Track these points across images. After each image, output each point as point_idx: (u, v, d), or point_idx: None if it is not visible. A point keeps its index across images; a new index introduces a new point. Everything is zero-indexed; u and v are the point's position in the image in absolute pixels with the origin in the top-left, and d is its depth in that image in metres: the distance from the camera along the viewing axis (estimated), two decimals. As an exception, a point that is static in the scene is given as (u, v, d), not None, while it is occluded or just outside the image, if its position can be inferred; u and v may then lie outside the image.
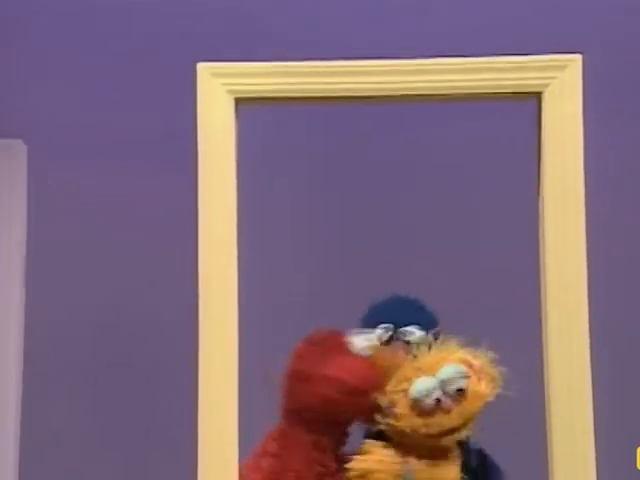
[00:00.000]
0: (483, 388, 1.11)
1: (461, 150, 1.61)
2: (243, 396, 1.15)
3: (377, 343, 1.12)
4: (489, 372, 1.11)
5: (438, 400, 1.09)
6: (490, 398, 1.11)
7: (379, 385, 1.09)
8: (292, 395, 1.12)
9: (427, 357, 1.11)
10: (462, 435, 1.11)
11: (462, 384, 1.10)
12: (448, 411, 1.10)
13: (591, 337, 1.09)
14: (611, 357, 1.46)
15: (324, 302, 1.60)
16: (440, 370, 1.10)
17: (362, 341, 1.12)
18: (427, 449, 1.11)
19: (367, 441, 1.13)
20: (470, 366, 1.11)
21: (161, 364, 1.72)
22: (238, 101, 1.16)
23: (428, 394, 1.09)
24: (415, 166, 1.64)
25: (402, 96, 1.14)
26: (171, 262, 1.66)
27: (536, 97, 1.12)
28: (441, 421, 1.09)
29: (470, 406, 1.10)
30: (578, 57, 1.12)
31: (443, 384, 1.09)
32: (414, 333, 1.14)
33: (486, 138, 1.58)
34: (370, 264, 1.64)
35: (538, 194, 1.12)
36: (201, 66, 1.16)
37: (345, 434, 1.14)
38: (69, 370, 1.75)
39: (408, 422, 1.09)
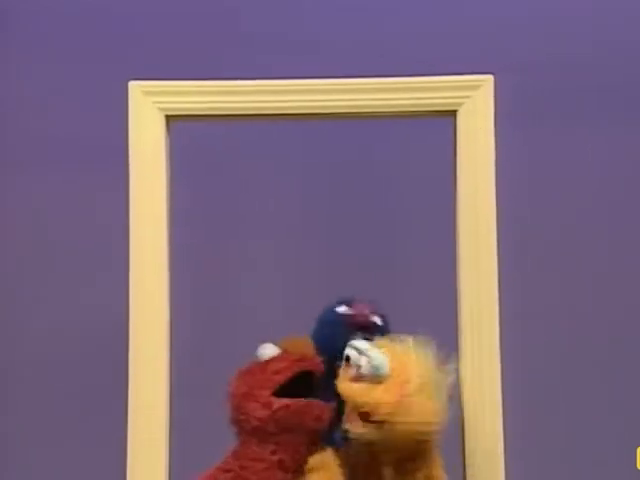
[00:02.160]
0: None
1: (386, 165, 1.65)
2: (174, 414, 1.18)
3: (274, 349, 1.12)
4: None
5: (347, 358, 1.06)
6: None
7: (302, 359, 1.10)
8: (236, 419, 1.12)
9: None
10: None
11: (382, 369, 1.05)
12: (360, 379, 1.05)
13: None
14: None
15: (255, 314, 1.62)
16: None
17: (267, 348, 1.13)
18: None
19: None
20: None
21: (90, 376, 1.72)
22: (169, 119, 1.20)
23: (353, 350, 1.06)
24: (337, 180, 1.68)
25: (325, 114, 1.19)
26: (101, 278, 1.68)
27: (451, 115, 1.17)
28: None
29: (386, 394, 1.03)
30: (490, 77, 1.18)
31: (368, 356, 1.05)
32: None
33: (410, 153, 1.63)
34: (299, 275, 1.68)
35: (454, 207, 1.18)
36: (133, 84, 1.20)
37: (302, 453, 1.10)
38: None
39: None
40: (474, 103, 1.17)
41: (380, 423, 1.03)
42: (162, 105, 1.20)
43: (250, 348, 1.59)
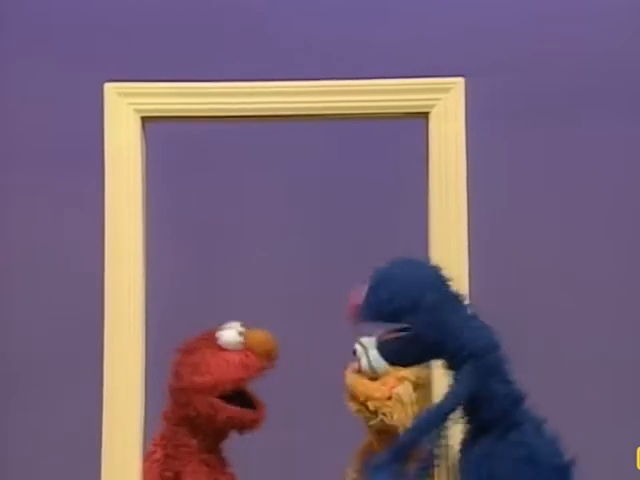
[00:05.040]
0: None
1: (361, 166, 1.66)
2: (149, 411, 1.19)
3: (240, 334, 1.14)
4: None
5: (354, 352, 1.18)
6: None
7: (260, 367, 1.13)
8: (188, 405, 1.14)
9: None
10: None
11: (379, 369, 1.16)
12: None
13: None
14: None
15: (231, 310, 1.63)
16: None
17: (227, 337, 1.15)
18: None
19: None
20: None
21: (64, 375, 1.73)
22: (145, 120, 1.21)
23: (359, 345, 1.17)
24: (311, 181, 1.69)
25: (299, 115, 1.21)
26: (76, 278, 1.68)
27: (423, 117, 1.19)
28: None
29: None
30: (461, 80, 1.20)
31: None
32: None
33: (385, 154, 1.64)
34: (269, 275, 1.69)
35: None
36: (108, 86, 1.21)
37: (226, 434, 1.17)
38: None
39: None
40: (445, 105, 1.19)
41: (373, 413, 1.15)
42: (137, 106, 1.21)
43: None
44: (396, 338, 1.03)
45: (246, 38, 1.67)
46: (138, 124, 1.21)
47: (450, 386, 1.01)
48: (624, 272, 1.66)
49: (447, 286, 1.03)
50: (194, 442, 1.14)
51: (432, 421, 1.00)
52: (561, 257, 1.65)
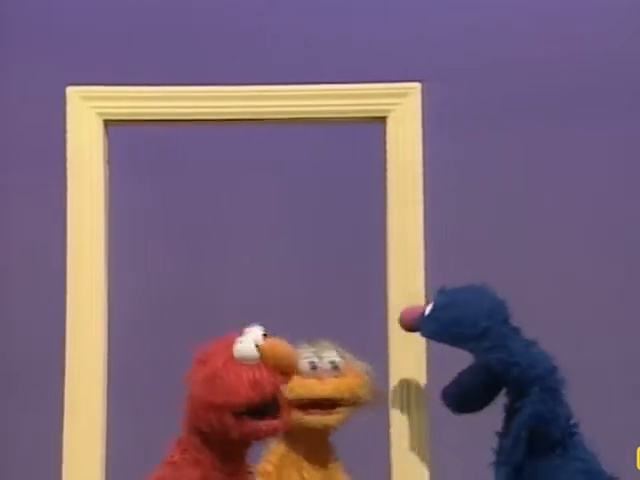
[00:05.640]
0: (358, 372, 1.18)
1: (321, 168, 1.67)
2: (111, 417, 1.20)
3: (257, 348, 1.07)
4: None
5: (313, 364, 1.17)
6: (364, 391, 1.18)
7: (275, 385, 1.07)
8: (199, 419, 1.08)
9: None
10: (339, 418, 1.17)
11: (336, 358, 1.17)
12: (322, 379, 1.17)
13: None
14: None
15: (193, 312, 1.64)
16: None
17: (243, 352, 1.07)
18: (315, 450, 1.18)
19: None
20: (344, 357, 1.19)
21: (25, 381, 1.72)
22: (107, 123, 1.22)
23: (302, 358, 1.15)
24: (272, 184, 1.70)
25: (260, 119, 1.23)
26: (38, 281, 1.68)
27: (381, 122, 1.21)
28: (313, 387, 1.17)
29: (345, 383, 1.17)
30: (418, 85, 1.23)
31: (318, 352, 1.18)
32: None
33: (344, 157, 1.65)
34: (233, 278, 1.69)
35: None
36: (70, 90, 1.23)
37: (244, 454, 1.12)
38: None
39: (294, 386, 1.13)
40: (403, 110, 1.21)
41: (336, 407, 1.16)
42: (100, 110, 1.22)
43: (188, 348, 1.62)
44: (456, 379, 1.11)
45: (208, 42, 1.68)
46: (100, 127, 1.22)
47: (519, 411, 1.06)
48: (588, 272, 1.68)
49: (509, 315, 1.09)
50: (208, 451, 1.09)
51: (514, 447, 1.05)
52: (515, 258, 1.67)
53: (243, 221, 1.68)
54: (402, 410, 1.18)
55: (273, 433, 1.09)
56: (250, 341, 1.07)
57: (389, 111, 1.21)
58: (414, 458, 1.17)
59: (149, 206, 1.65)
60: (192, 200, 1.67)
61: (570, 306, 1.65)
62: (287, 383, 1.08)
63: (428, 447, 1.18)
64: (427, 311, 1.09)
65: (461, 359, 1.11)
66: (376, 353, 1.21)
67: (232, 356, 1.07)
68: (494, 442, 1.10)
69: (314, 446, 1.19)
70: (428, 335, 1.10)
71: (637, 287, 1.68)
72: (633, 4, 1.72)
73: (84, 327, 1.20)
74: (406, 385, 1.19)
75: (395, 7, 1.72)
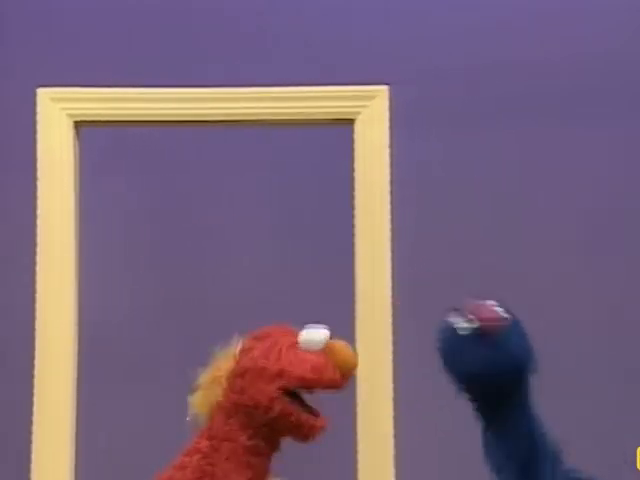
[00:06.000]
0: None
1: (291, 169, 1.68)
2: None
3: (326, 338, 1.04)
4: None
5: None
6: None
7: (333, 380, 1.02)
8: (244, 392, 1.03)
9: None
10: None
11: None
12: None
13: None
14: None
15: (164, 321, 1.64)
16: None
17: (311, 335, 1.04)
18: None
19: None
20: None
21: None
22: (78, 124, 1.23)
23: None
24: (243, 185, 1.70)
25: (228, 121, 1.24)
26: (8, 281, 1.67)
27: (349, 124, 1.23)
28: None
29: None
30: (385, 88, 1.25)
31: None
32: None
33: (314, 158, 1.66)
34: (207, 275, 1.69)
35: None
36: (41, 91, 1.24)
37: (279, 441, 1.06)
38: None
39: None
40: (370, 112, 1.23)
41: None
42: (70, 111, 1.23)
43: (155, 345, 1.62)
44: None
45: (179, 45, 1.68)
46: (71, 128, 1.23)
47: None
48: (559, 269, 1.69)
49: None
50: (243, 438, 1.04)
51: None
52: (481, 257, 1.68)
53: (213, 221, 1.68)
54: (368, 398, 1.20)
55: (314, 431, 1.04)
56: (319, 332, 1.04)
57: (357, 113, 1.23)
58: (379, 444, 1.20)
59: (120, 207, 1.65)
60: (163, 201, 1.68)
61: (546, 305, 1.66)
62: (339, 388, 1.03)
63: (392, 433, 1.20)
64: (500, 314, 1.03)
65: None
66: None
67: (296, 340, 1.04)
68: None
69: None
70: (504, 342, 1.02)
71: (628, 286, 1.68)
72: (598, 5, 1.73)
73: (54, 326, 1.21)
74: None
75: (364, 11, 1.73)
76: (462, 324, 1.02)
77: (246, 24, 1.70)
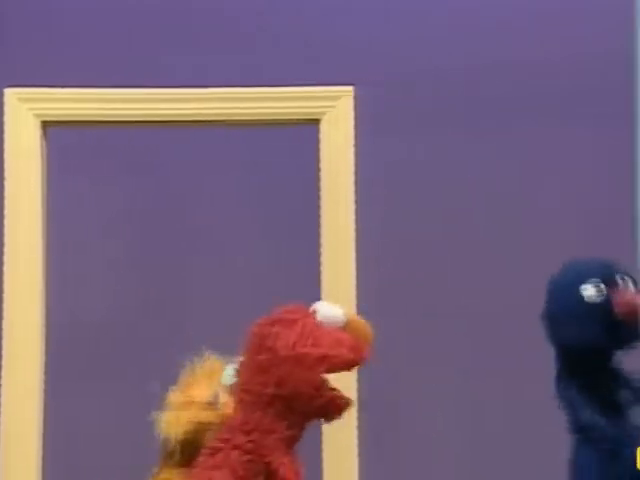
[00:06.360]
0: None
1: (254, 170, 1.69)
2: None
3: (344, 314, 1.01)
4: None
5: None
6: None
7: (366, 358, 1.00)
8: (283, 383, 0.98)
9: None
10: None
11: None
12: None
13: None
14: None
15: (137, 320, 1.64)
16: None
17: (332, 312, 1.01)
18: None
19: None
20: None
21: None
22: (45, 124, 1.24)
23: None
24: (210, 185, 1.71)
25: (194, 121, 1.26)
26: None
27: (315, 124, 1.25)
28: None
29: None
30: (350, 88, 1.26)
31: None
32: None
33: (281, 157, 1.67)
34: (169, 278, 1.70)
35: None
36: (8, 91, 1.24)
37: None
38: None
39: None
40: (336, 112, 1.25)
41: None
42: (38, 111, 1.24)
43: (113, 347, 1.62)
44: None
45: (144, 45, 1.68)
46: (38, 129, 1.23)
47: None
48: (512, 276, 1.70)
49: None
50: (282, 427, 0.99)
51: None
52: (444, 255, 1.70)
53: (180, 220, 1.68)
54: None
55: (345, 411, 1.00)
56: (336, 308, 1.02)
57: (323, 113, 1.25)
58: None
59: (90, 206, 1.66)
60: (130, 201, 1.68)
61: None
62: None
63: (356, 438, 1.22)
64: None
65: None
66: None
67: (313, 316, 1.00)
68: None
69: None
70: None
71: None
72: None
73: (20, 326, 1.22)
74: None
75: (330, 12, 1.74)
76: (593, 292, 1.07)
77: (214, 26, 1.71)
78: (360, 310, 1.21)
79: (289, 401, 0.98)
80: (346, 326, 1.00)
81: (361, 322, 1.02)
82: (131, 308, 1.61)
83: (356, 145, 1.24)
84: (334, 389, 0.99)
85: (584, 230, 1.68)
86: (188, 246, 1.65)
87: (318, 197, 1.24)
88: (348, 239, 1.23)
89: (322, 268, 1.23)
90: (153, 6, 1.67)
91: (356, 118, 1.25)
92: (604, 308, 1.07)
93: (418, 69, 1.68)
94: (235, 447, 0.98)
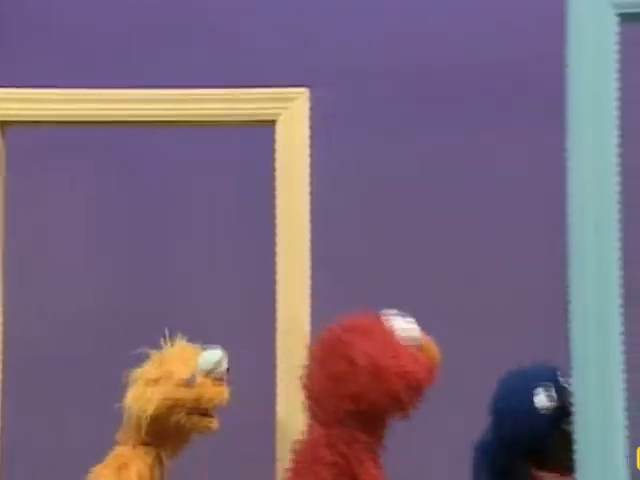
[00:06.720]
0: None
1: (211, 171, 1.69)
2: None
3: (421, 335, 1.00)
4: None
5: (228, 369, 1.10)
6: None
7: (434, 382, 0.99)
8: (361, 399, 0.96)
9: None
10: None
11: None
12: (221, 384, 1.10)
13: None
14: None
15: (111, 319, 1.64)
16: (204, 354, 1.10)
17: (411, 332, 0.99)
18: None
19: None
20: None
21: None
22: (4, 125, 1.24)
23: (219, 363, 1.07)
24: (166, 186, 1.71)
25: (151, 122, 1.27)
26: None
27: (271, 125, 1.26)
28: (223, 393, 1.11)
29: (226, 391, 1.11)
30: (305, 90, 1.28)
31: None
32: None
33: (237, 158, 1.67)
34: (132, 275, 1.70)
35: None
36: (-33, 91, 1.25)
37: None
38: None
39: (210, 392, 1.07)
40: (291, 114, 1.26)
41: None
42: (-2, 112, 1.24)
43: (78, 349, 1.62)
44: None
45: (101, 46, 1.68)
46: (-4, 129, 1.24)
47: None
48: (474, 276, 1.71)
49: None
50: (363, 436, 0.97)
51: None
52: (401, 260, 1.71)
53: (138, 222, 1.68)
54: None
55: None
56: (415, 327, 0.99)
57: (278, 115, 1.26)
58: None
59: (47, 209, 1.65)
60: (90, 202, 1.68)
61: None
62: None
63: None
64: None
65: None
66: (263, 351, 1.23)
67: (389, 330, 0.98)
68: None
69: (178, 450, 1.13)
70: None
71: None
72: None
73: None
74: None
75: (284, 13, 1.75)
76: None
77: (169, 26, 1.72)
78: (315, 311, 1.23)
79: (367, 414, 0.96)
80: (422, 346, 0.99)
81: (434, 345, 1.01)
82: (95, 318, 1.60)
83: (312, 146, 1.25)
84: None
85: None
86: (149, 251, 1.64)
87: (273, 198, 1.25)
88: (303, 240, 1.25)
89: (277, 270, 1.25)
90: (108, 6, 1.67)
91: (312, 119, 1.26)
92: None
93: (374, 70, 1.70)
94: (322, 463, 0.96)
